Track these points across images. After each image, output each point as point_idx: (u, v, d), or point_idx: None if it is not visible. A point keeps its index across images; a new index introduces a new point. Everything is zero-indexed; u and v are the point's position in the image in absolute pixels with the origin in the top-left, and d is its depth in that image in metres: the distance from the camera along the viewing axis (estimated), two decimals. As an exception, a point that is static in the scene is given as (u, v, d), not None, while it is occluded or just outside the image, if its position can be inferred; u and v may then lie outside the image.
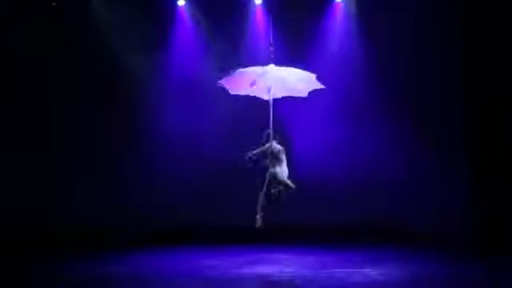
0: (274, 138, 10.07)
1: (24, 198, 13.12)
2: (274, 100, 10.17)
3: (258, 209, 9.92)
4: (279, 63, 10.43)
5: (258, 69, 10.24)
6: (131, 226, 12.79)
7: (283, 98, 10.53)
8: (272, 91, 10.10)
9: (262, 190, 9.98)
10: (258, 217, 9.92)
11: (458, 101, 12.79)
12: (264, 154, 10.04)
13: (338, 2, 13.29)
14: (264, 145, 10.09)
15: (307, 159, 13.05)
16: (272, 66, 10.21)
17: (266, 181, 9.94)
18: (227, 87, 10.36)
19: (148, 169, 13.50)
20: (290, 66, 10.47)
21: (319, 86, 10.29)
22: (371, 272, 9.02)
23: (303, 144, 13.14)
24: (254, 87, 10.22)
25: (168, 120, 13.57)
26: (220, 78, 10.38)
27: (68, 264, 10.08)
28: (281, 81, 10.18)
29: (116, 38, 13.37)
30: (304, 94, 10.54)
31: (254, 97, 10.56)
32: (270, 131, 10.05)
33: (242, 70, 10.31)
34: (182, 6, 13.51)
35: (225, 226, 12.65)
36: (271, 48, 10.44)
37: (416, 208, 12.59)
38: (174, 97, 13.59)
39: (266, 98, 10.28)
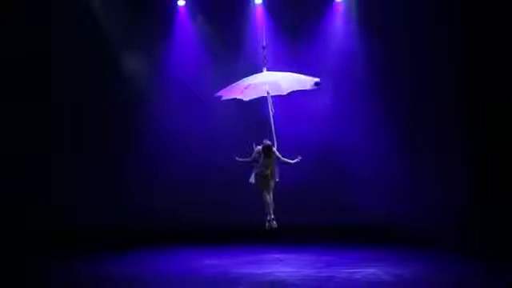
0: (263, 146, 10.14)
1: (24, 198, 13.13)
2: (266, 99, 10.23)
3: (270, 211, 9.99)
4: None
5: (250, 77, 10.32)
6: (131, 226, 12.79)
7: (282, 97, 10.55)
8: (269, 91, 10.14)
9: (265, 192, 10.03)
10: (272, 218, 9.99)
11: (458, 101, 12.79)
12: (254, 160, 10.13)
13: (338, 2, 13.29)
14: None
15: (307, 159, 13.02)
16: (265, 72, 10.32)
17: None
18: (221, 95, 10.42)
19: (148, 169, 13.50)
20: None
21: (309, 87, 10.28)
22: (371, 272, 9.00)
23: (302, 143, 13.13)
24: (250, 88, 10.25)
25: (168, 120, 13.58)
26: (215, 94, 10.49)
27: (68, 264, 10.07)
28: (274, 84, 10.22)
29: (116, 37, 13.38)
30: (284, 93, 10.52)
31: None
32: (273, 133, 10.11)
33: (236, 83, 10.40)
34: (182, 6, 13.52)
35: (225, 226, 12.67)
36: (264, 52, 10.48)
37: (416, 208, 12.59)
38: (174, 96, 13.60)
39: (254, 96, 10.34)
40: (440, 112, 12.95)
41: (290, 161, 10.04)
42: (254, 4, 13.36)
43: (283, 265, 9.75)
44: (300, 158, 10.02)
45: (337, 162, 13.16)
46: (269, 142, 9.97)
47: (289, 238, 11.60)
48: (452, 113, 12.85)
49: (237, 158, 10.22)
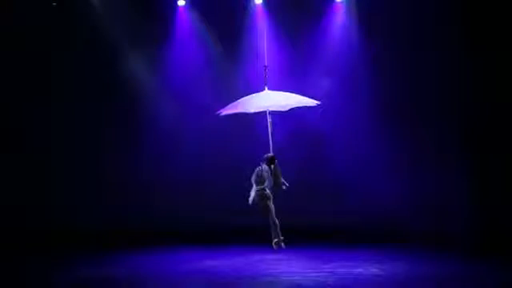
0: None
1: (24, 198, 13.13)
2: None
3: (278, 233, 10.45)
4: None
5: (253, 95, 10.57)
6: (131, 226, 12.80)
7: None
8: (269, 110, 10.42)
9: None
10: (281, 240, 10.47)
11: (458, 101, 12.78)
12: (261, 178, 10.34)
13: (338, 2, 13.30)
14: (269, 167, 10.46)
15: (307, 159, 13.05)
16: (266, 90, 10.51)
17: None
18: (226, 112, 10.63)
19: (148, 169, 13.50)
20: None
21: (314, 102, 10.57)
22: (371, 272, 9.01)
23: (303, 144, 13.14)
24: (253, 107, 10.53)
25: (168, 120, 13.58)
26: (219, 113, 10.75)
27: (68, 264, 10.07)
28: (277, 103, 10.48)
29: (116, 37, 13.38)
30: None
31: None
32: (270, 149, 10.31)
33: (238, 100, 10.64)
34: (182, 6, 13.53)
35: (225, 227, 12.67)
36: (265, 71, 10.61)
37: (416, 208, 12.59)
38: (174, 97, 13.60)
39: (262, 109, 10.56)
40: (440, 112, 12.94)
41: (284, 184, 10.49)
42: (254, 4, 13.36)
43: (284, 265, 9.75)
44: (288, 185, 10.47)
45: (336, 163, 13.15)
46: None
47: (290, 238, 11.59)
48: (452, 112, 12.84)
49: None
